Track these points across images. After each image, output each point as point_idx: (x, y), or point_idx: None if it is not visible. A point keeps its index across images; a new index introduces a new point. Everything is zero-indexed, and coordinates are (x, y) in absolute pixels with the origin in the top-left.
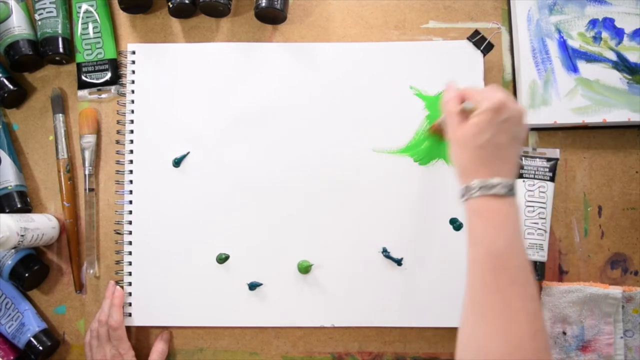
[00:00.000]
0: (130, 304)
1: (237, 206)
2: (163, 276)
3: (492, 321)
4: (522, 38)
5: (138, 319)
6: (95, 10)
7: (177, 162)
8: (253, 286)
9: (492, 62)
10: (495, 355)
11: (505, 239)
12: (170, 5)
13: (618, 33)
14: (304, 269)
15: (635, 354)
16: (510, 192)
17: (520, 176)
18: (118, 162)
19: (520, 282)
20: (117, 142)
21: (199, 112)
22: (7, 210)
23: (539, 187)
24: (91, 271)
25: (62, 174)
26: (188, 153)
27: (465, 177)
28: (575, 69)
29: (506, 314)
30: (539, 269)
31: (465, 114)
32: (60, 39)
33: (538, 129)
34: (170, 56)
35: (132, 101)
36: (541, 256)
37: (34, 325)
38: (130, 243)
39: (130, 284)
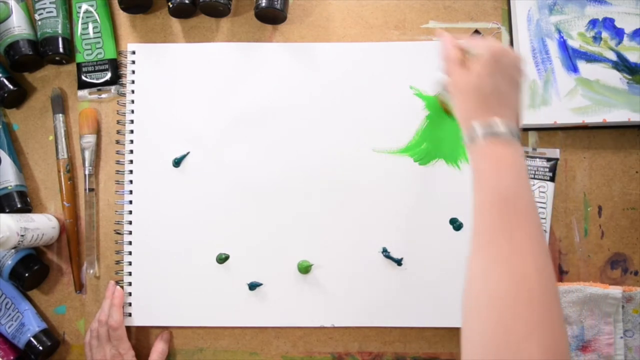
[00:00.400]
0: (130, 304)
1: (237, 206)
2: (163, 276)
3: (497, 261)
4: (522, 38)
5: (138, 319)
6: (95, 10)
7: (177, 162)
8: (253, 286)
9: None
10: (502, 294)
11: (511, 181)
12: (170, 5)
13: (618, 33)
14: (304, 269)
15: (635, 354)
16: (514, 135)
17: None
18: (118, 162)
19: (526, 224)
20: (117, 142)
21: (199, 112)
22: (7, 210)
23: (539, 187)
24: (91, 271)
25: (62, 174)
26: (188, 153)
27: (468, 121)
28: (575, 69)
29: (512, 255)
30: None
31: (464, 63)
32: (60, 39)
33: (538, 129)
34: (170, 56)
35: (132, 101)
36: None
37: (34, 325)
38: (130, 243)
39: (130, 284)
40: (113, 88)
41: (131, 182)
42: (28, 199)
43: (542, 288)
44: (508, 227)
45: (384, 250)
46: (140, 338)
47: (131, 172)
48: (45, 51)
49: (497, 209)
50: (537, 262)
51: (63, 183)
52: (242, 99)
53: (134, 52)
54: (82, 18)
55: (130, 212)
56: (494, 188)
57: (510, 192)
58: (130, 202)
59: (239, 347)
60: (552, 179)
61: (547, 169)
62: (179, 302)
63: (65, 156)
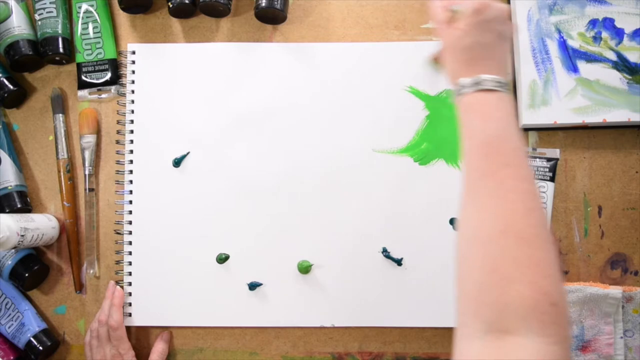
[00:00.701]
0: (130, 304)
1: (237, 206)
2: (163, 276)
3: (486, 203)
4: (522, 38)
5: (138, 319)
6: (95, 10)
7: (177, 162)
8: (253, 286)
9: None
10: (490, 233)
11: (497, 126)
12: (170, 5)
13: (618, 33)
14: (304, 269)
15: (635, 354)
16: (501, 86)
17: None
18: (118, 162)
19: (513, 164)
20: (117, 142)
21: (199, 112)
22: (7, 210)
23: (539, 187)
24: (91, 271)
25: (62, 174)
26: (188, 153)
27: (456, 79)
28: (575, 69)
29: (500, 194)
30: None
31: (453, 20)
32: (60, 39)
33: (538, 129)
34: (170, 56)
35: (132, 101)
36: None
37: (34, 325)
38: (130, 243)
39: (130, 284)
40: (113, 88)
41: (131, 182)
42: (28, 199)
43: (531, 228)
44: (495, 169)
45: (384, 250)
46: (140, 338)
47: (131, 172)
48: (45, 51)
49: (482, 152)
50: (525, 202)
51: (63, 183)
52: (242, 99)
53: (134, 52)
54: (82, 18)
55: (130, 212)
56: (479, 134)
57: (495, 137)
58: (130, 202)
59: (239, 347)
60: (552, 179)
61: (547, 169)
62: (179, 302)
63: (65, 156)
